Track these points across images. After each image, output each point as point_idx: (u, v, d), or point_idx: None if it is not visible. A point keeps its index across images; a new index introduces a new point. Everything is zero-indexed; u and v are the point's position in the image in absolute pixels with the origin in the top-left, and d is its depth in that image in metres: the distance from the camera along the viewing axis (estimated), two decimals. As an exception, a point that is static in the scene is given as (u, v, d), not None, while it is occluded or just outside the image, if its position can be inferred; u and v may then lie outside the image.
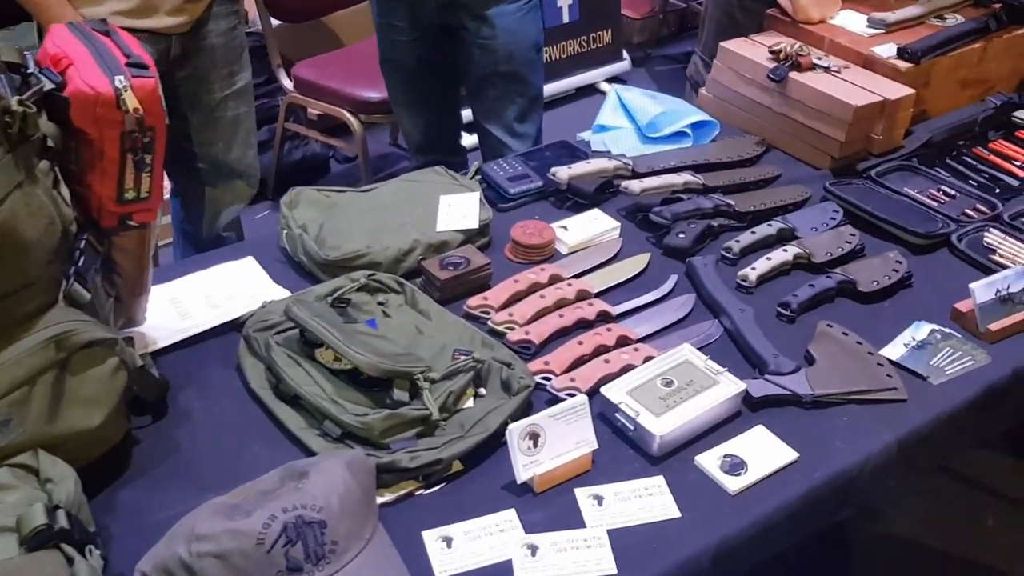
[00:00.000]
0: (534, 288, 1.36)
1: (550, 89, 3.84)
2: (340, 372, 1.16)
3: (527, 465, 1.05)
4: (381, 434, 1.08)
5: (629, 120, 1.82)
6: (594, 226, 1.50)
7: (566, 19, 3.79)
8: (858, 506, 1.14)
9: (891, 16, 1.77)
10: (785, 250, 1.42)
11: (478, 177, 1.61)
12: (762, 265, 1.39)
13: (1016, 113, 1.78)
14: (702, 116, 1.76)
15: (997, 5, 1.81)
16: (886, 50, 1.70)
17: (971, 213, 1.53)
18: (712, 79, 1.86)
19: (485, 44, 2.02)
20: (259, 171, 2.13)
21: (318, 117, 3.03)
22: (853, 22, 1.80)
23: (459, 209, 1.46)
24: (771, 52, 1.73)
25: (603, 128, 1.83)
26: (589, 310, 1.31)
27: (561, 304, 1.33)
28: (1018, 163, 1.67)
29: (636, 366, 1.20)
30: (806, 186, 1.63)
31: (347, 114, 2.78)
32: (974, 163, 1.67)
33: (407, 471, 1.05)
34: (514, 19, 2.01)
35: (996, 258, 1.41)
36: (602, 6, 3.88)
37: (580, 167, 1.59)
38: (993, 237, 1.46)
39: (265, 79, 3.15)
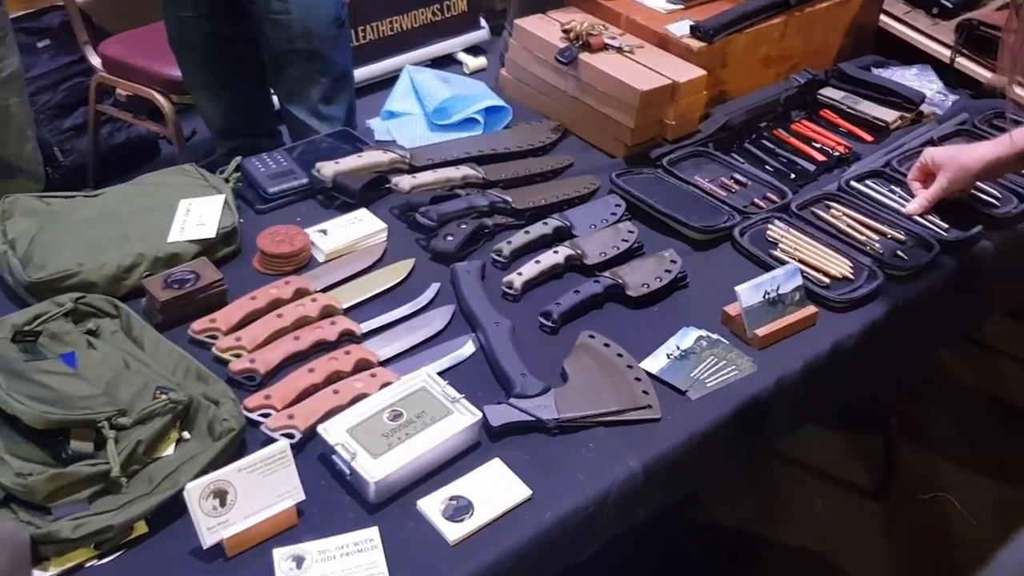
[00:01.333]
0: (275, 305, 1.22)
1: (402, 61, 3.67)
2: (17, 420, 1.00)
3: (213, 528, 0.91)
4: (47, 497, 0.93)
5: (419, 105, 1.68)
6: (357, 229, 1.37)
7: (417, -14, 3.60)
8: (603, 542, 1.04)
9: (690, -9, 1.67)
10: (556, 251, 1.31)
11: (236, 175, 1.45)
12: (529, 270, 1.28)
13: (822, 91, 1.71)
14: (494, 101, 1.64)
15: (798, -22, 1.73)
16: (681, 28, 1.60)
17: (760, 203, 1.45)
18: (510, 59, 1.74)
19: (277, 20, 1.85)
20: (41, 165, 1.92)
21: (127, 98, 2.80)
22: (653, -3, 1.70)
23: (198, 215, 1.31)
24: (563, 31, 1.61)
25: (392, 114, 1.69)
26: (330, 330, 1.18)
27: (301, 323, 1.20)
28: (818, 145, 1.60)
29: (367, 395, 1.08)
30: (597, 176, 1.52)
31: (156, 95, 2.56)
32: (773, 147, 1.59)
33: (69, 542, 0.90)
34: (308, -9, 1.84)
35: (778, 253, 1.34)
36: (455, -28, 3.71)
37: (349, 161, 1.45)
38: (776, 230, 1.38)
39: (79, 57, 2.90)
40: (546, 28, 1.65)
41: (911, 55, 1.83)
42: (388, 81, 3.64)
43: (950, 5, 1.83)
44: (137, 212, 1.30)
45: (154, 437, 1.00)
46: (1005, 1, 1.86)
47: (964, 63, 1.77)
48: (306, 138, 2.01)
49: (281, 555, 0.92)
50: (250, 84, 2.06)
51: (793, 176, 1.53)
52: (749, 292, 1.19)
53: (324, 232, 1.36)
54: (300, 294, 1.24)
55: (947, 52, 1.78)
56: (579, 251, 1.31)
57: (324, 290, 1.26)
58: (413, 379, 1.08)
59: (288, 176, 1.45)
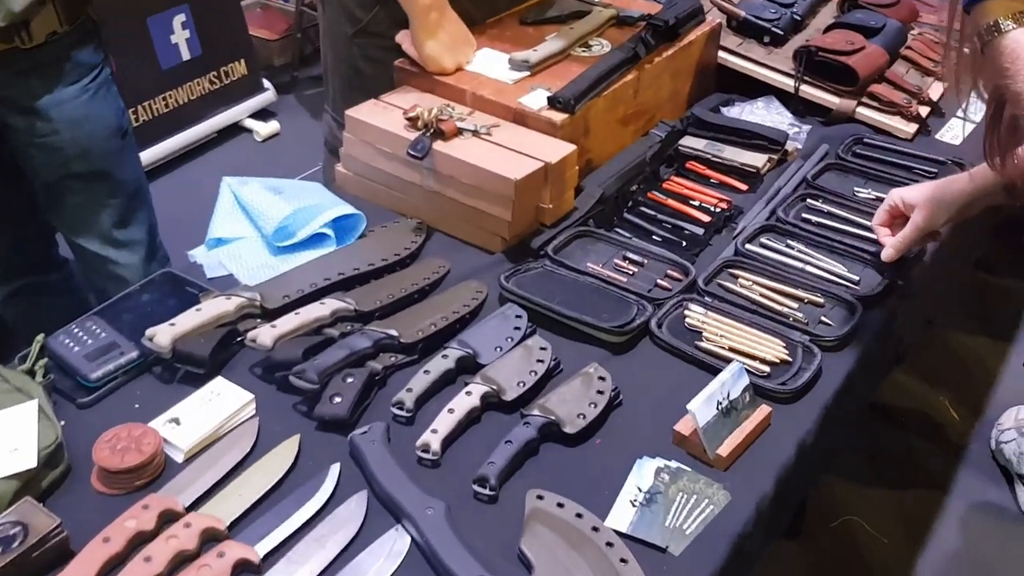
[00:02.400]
0: (137, 542, 0.94)
1: (184, 139, 3.32)
2: None
3: None
4: None
5: (252, 226, 1.42)
6: (217, 409, 1.11)
7: (186, 56, 3.26)
8: None
9: (533, 55, 1.52)
10: (468, 392, 1.12)
11: (43, 362, 1.14)
12: (445, 423, 1.08)
13: (683, 142, 1.62)
14: (342, 208, 1.41)
15: (640, 25, 1.63)
16: (536, 100, 1.44)
17: (664, 283, 1.32)
18: (347, 154, 1.52)
19: (46, 143, 1.53)
20: None
21: None
22: (494, 65, 1.53)
23: (6, 436, 1.00)
24: (408, 119, 1.42)
25: (220, 242, 1.42)
26: (221, 566, 0.92)
27: (179, 562, 0.93)
28: (696, 203, 1.50)
29: (296, 653, 0.84)
30: (481, 280, 1.34)
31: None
32: (654, 213, 1.47)
33: None
34: (78, 105, 1.53)
35: (704, 344, 1.21)
36: (227, 34, 3.39)
37: (187, 319, 1.18)
38: (694, 315, 1.25)
39: None
40: (384, 116, 1.45)
41: (751, 87, 1.78)
42: (171, 166, 3.34)
43: (780, 32, 1.80)
44: (-83, 452, 0.98)
45: None
46: (828, 22, 1.85)
47: (808, 90, 1.74)
48: (104, 272, 1.71)
49: None
50: (18, 221, 1.71)
51: (685, 244, 1.41)
52: (703, 409, 1.05)
53: (176, 421, 1.08)
54: (167, 519, 0.97)
55: (788, 81, 1.74)
56: (493, 386, 1.12)
57: (195, 504, 1.00)
58: (350, 617, 0.86)
59: (112, 352, 1.16)
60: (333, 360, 1.13)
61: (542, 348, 1.19)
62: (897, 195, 1.31)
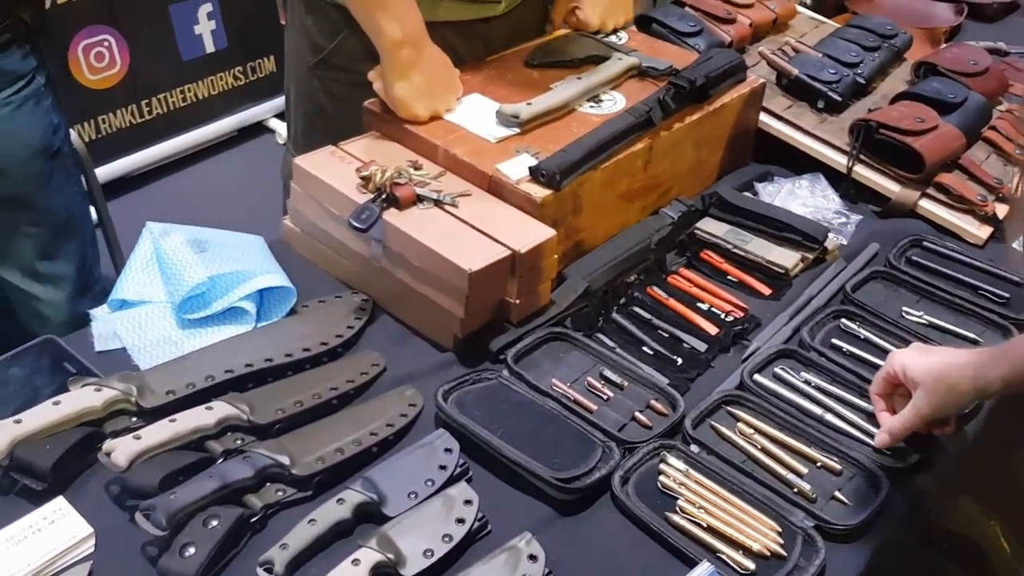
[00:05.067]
0: None
1: (199, 136, 3.14)
2: None
3: None
4: None
5: (164, 288, 1.20)
6: (46, 541, 0.88)
7: (210, 48, 3.08)
8: None
9: (525, 109, 1.26)
10: (356, 561, 0.86)
11: None
12: (315, 603, 0.84)
13: (700, 225, 1.35)
14: (272, 279, 1.17)
15: (662, 82, 1.36)
16: (517, 168, 1.18)
17: (642, 418, 1.05)
18: (293, 207, 1.28)
19: (-47, 158, 1.33)
20: None
21: None
22: (480, 116, 1.28)
23: None
24: (361, 178, 1.17)
25: (124, 304, 1.19)
26: None
27: None
28: (705, 307, 1.23)
29: None
30: (419, 388, 1.09)
31: None
32: (650, 316, 1.20)
33: None
34: (-5, 120, 1.32)
35: (677, 517, 0.94)
36: (258, 28, 3.19)
37: (39, 415, 0.95)
38: (671, 472, 0.98)
39: None
40: (336, 170, 1.21)
41: (796, 160, 1.49)
42: (185, 163, 3.16)
43: (838, 97, 1.51)
44: None
45: None
46: (897, 92, 1.56)
47: (864, 172, 1.45)
48: (26, 307, 1.51)
49: None
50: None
51: (680, 362, 1.14)
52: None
53: (-13, 558, 0.86)
54: None
55: (841, 158, 1.46)
56: (390, 555, 0.87)
57: None
58: None
59: (-60, 449, 0.95)
60: (194, 497, 0.89)
61: (466, 502, 0.93)
62: (899, 362, 1.00)
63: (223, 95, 3.19)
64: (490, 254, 1.09)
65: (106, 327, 1.15)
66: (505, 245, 1.10)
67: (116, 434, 0.97)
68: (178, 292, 1.15)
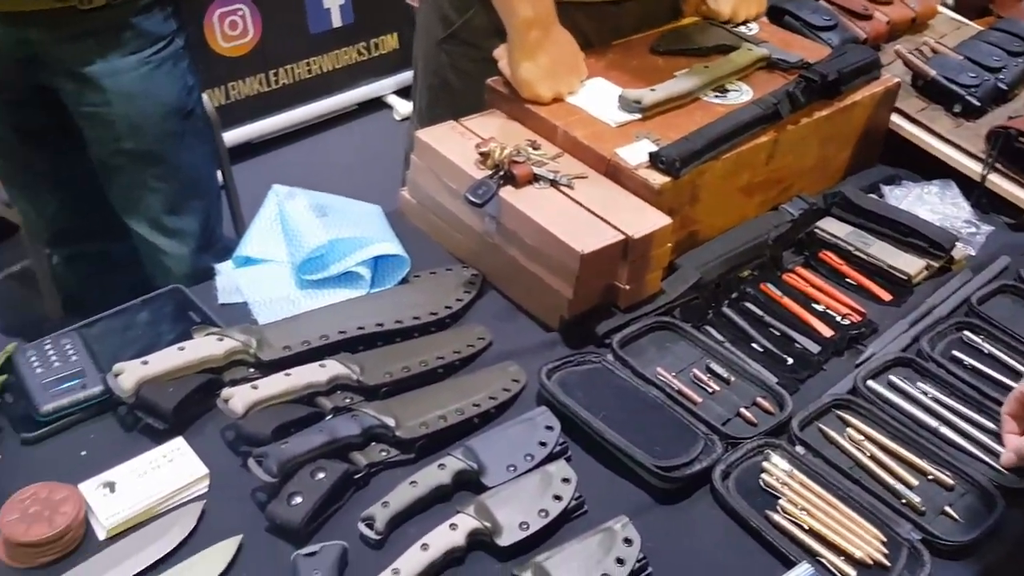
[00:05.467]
0: (4, 645, 0.78)
1: (322, 107, 3.23)
2: None
3: None
4: None
5: (286, 248, 1.24)
6: (162, 480, 0.93)
7: (337, 22, 3.16)
8: None
9: (648, 95, 1.25)
10: (454, 525, 0.88)
11: (4, 378, 1.00)
12: (412, 562, 0.85)
13: (821, 224, 1.31)
14: (387, 247, 1.20)
15: (794, 73, 1.32)
16: (637, 153, 1.18)
17: (748, 414, 1.04)
18: (412, 179, 1.31)
19: (95, 114, 1.41)
20: None
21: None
22: (602, 100, 1.27)
23: (-94, 479, 0.86)
24: (480, 154, 1.19)
25: (248, 261, 1.24)
26: None
27: None
28: (821, 308, 1.20)
29: None
30: (523, 365, 1.10)
31: (-2, 174, 2.08)
32: (762, 313, 1.18)
33: None
34: (134, 78, 1.39)
35: (777, 517, 0.92)
36: (384, 5, 3.26)
37: (164, 359, 1.01)
38: (775, 470, 0.97)
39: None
40: (458, 145, 1.22)
41: (927, 166, 1.43)
42: (304, 133, 3.26)
43: (976, 102, 1.44)
44: None
45: None
46: (1042, 98, 1.47)
47: (999, 182, 1.38)
48: (152, 259, 1.58)
49: None
50: (85, 183, 1.60)
51: (791, 362, 1.12)
52: (743, 625, 0.78)
53: (110, 487, 0.91)
54: (51, 619, 0.80)
55: (976, 166, 1.39)
56: (487, 523, 0.89)
57: (94, 604, 0.82)
58: None
59: (74, 382, 1.01)
60: (304, 449, 0.93)
61: (564, 480, 0.94)
62: None
63: (346, 69, 3.27)
64: (603, 237, 1.09)
65: (229, 281, 1.20)
66: (619, 229, 1.10)
67: (234, 383, 1.01)
68: (299, 253, 1.19)
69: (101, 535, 0.89)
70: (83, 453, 0.97)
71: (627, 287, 1.13)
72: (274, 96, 3.08)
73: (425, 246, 1.28)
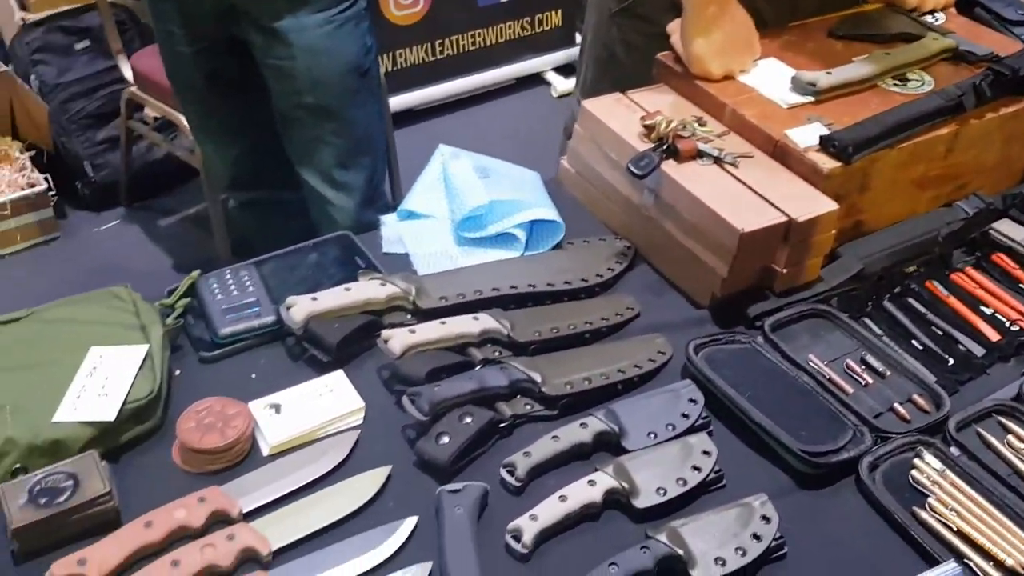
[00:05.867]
0: (178, 538, 0.86)
1: (483, 79, 3.29)
2: None
3: None
4: None
5: (447, 206, 1.29)
6: (323, 407, 0.99)
7: (504, -4, 3.21)
8: None
9: (824, 78, 1.22)
10: (592, 482, 0.90)
11: (184, 302, 1.09)
12: (549, 511, 0.88)
13: (996, 225, 1.25)
14: (544, 213, 1.23)
15: (981, 66, 1.26)
16: (807, 136, 1.15)
17: (902, 411, 1.01)
18: (573, 148, 1.33)
19: (280, 67, 1.49)
20: None
21: (155, 118, 2.50)
22: (774, 81, 1.25)
23: (103, 378, 0.95)
24: (644, 126, 1.19)
25: (411, 215, 1.30)
26: (241, 598, 0.81)
27: (208, 575, 0.83)
28: (989, 311, 1.14)
29: None
30: (670, 338, 1.10)
31: (181, 117, 2.24)
32: (925, 311, 1.14)
33: None
34: (319, 35, 1.47)
35: (925, 515, 0.89)
36: (550, -20, 3.29)
37: (330, 298, 1.07)
38: (926, 469, 0.94)
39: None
40: (622, 116, 1.23)
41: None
42: (461, 104, 3.33)
43: None
44: (26, 368, 0.95)
45: None
46: None
47: None
48: (320, 210, 1.67)
49: None
50: (265, 133, 1.70)
51: (952, 363, 1.07)
52: (880, 615, 0.76)
53: (276, 409, 0.98)
54: (217, 519, 0.87)
55: None
56: (625, 484, 0.90)
57: (253, 513, 0.89)
58: None
59: (249, 311, 1.08)
60: (455, 392, 0.97)
61: (705, 452, 0.94)
62: None
63: (509, 43, 3.32)
64: (765, 218, 1.07)
65: (393, 232, 1.26)
66: (782, 211, 1.08)
67: (392, 326, 1.07)
68: (459, 211, 1.24)
69: (265, 451, 0.96)
70: (253, 376, 1.04)
71: (784, 271, 1.11)
72: (438, 66, 3.17)
73: (579, 216, 1.29)
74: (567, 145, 1.34)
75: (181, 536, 0.86)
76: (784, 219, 1.07)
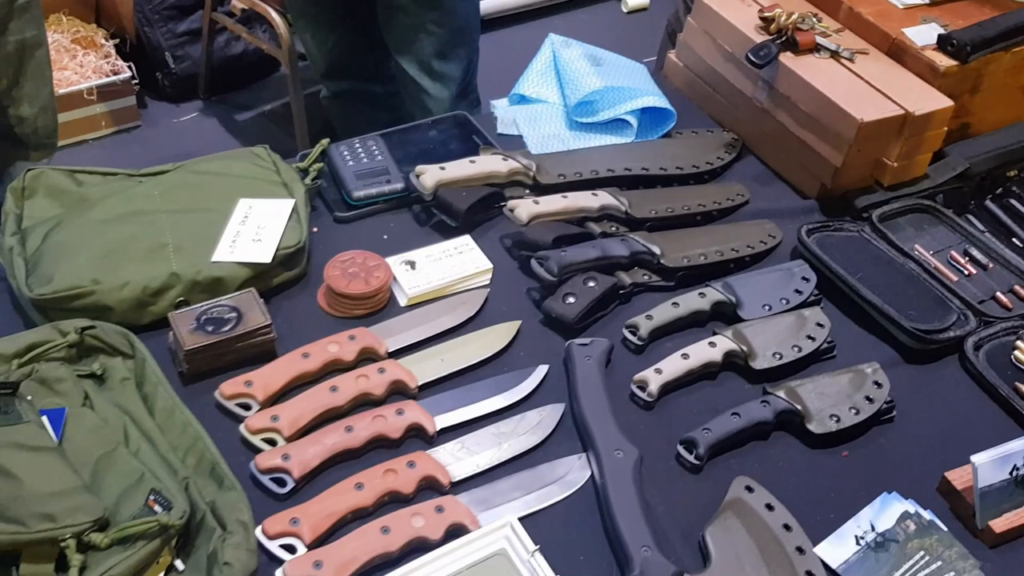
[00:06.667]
0: (331, 369, 0.93)
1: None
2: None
3: None
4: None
5: (559, 92, 1.33)
6: (455, 266, 1.05)
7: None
8: None
9: (943, -20, 1.24)
10: (713, 343, 0.96)
11: (318, 166, 1.15)
12: (673, 366, 0.94)
13: (1099, 136, 1.27)
14: (656, 101, 1.26)
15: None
16: (924, 35, 1.18)
17: (1003, 298, 1.05)
18: (683, 41, 1.36)
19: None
20: (56, 122, 1.55)
21: (242, 10, 2.53)
22: (889, -19, 1.27)
23: (255, 226, 1.01)
24: (762, 19, 1.22)
25: (523, 99, 1.34)
26: (395, 422, 0.87)
27: (361, 403, 0.90)
28: (1088, 216, 1.18)
29: (430, 543, 0.78)
30: (780, 223, 1.15)
31: (271, 11, 2.27)
32: (1025, 211, 1.18)
33: None
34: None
35: (1026, 388, 0.95)
36: None
37: (457, 168, 1.12)
38: (1028, 351, 0.99)
39: (200, -45, 2.64)
40: (739, 9, 1.26)
41: None
42: (531, 16, 3.32)
43: None
44: (182, 213, 1.02)
45: (134, 570, 0.73)
46: None
47: None
48: (415, 99, 1.71)
49: None
50: (363, 23, 1.73)
51: (1051, 260, 1.12)
52: (990, 467, 0.82)
53: (411, 265, 1.05)
54: (367, 356, 0.94)
55: None
56: (743, 347, 0.96)
57: (397, 352, 0.96)
58: (492, 533, 0.78)
59: (380, 177, 1.14)
60: (581, 258, 1.02)
61: (819, 324, 0.99)
62: None
63: (581, -43, 3.29)
64: (883, 109, 1.11)
65: (507, 115, 1.30)
66: (899, 104, 1.11)
67: (513, 199, 1.12)
68: (573, 96, 1.28)
69: (402, 301, 1.02)
70: (384, 237, 1.11)
71: (895, 164, 1.15)
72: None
73: (686, 108, 1.33)
74: (679, 39, 1.36)
75: (334, 368, 0.93)
76: (901, 112, 1.11)
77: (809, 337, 0.98)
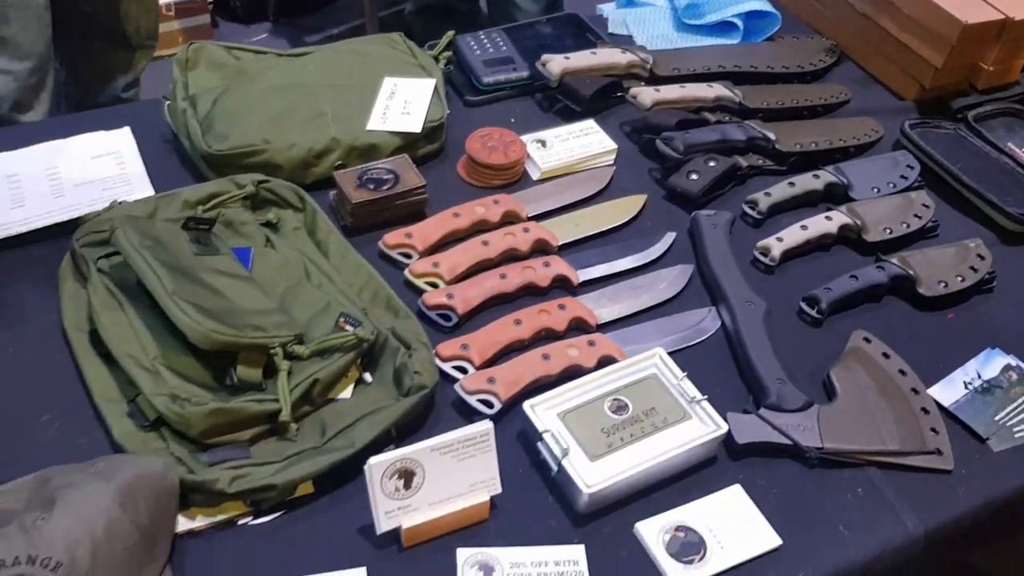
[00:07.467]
0: (479, 228, 1.01)
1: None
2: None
3: (392, 512, 0.74)
4: (203, 433, 0.77)
5: (666, -4, 1.40)
6: (582, 145, 1.13)
7: None
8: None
9: None
10: (829, 217, 1.04)
11: (447, 55, 1.22)
12: (792, 236, 1.02)
13: None
14: (761, 4, 1.33)
15: None
16: (1026, -56, 1.24)
17: (1094, 193, 1.13)
18: (784, -47, 1.42)
19: None
20: (157, 22, 1.61)
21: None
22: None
23: (402, 101, 1.09)
24: (868, -72, 1.28)
25: (630, 2, 1.41)
26: (543, 272, 0.96)
27: (509, 257, 0.99)
28: None
29: (585, 370, 0.87)
30: (880, 121, 1.22)
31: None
32: (1112, 118, 1.25)
33: (222, 495, 0.75)
34: None
35: (1118, 268, 1.03)
36: None
37: (581, 59, 1.20)
38: (1119, 235, 1.07)
39: None
40: (843, -79, 1.32)
41: None
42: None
43: None
44: (335, 87, 1.10)
45: (332, 377, 0.83)
46: None
47: None
48: (504, 11, 1.78)
49: (466, 558, 0.75)
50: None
51: None
52: (1092, 323, 0.91)
53: (543, 143, 1.13)
54: (509, 218, 1.03)
55: None
56: (857, 221, 1.04)
57: (536, 217, 1.04)
58: (643, 361, 0.87)
59: (506, 65, 1.22)
60: (702, 140, 1.10)
61: (925, 205, 1.07)
62: None
63: None
64: (984, 13, 1.17)
65: (617, 16, 1.37)
66: (999, 10, 1.18)
67: (632, 88, 1.20)
68: (681, -1, 1.35)
69: (535, 175, 1.11)
70: (511, 120, 1.18)
71: (991, 68, 1.22)
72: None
73: (787, 17, 1.39)
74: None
75: (480, 229, 1.02)
76: (1002, 16, 1.17)
77: (916, 216, 1.06)
